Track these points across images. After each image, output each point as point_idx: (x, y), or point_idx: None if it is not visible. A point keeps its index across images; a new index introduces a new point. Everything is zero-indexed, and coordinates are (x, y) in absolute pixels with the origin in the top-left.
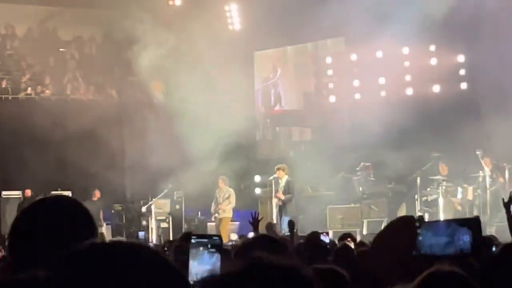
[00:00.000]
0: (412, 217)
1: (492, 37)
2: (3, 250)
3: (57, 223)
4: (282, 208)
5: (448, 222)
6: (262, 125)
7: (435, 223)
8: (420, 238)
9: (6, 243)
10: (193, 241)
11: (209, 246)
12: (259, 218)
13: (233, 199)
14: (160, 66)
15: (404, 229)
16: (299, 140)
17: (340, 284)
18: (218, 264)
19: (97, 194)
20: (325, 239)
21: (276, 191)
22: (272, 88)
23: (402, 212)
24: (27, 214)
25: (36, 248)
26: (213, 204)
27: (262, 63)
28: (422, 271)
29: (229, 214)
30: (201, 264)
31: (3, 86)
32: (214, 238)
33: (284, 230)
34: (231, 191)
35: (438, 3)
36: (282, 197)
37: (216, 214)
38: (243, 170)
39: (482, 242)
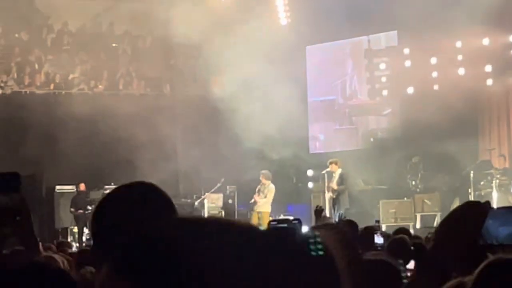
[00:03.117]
0: (478, 202)
1: None
2: (54, 247)
3: (140, 208)
4: (335, 202)
5: None
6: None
7: (502, 211)
8: (486, 226)
9: (60, 237)
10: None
11: None
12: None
13: (270, 195)
14: (212, 61)
15: (470, 215)
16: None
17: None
18: None
19: None
20: (379, 240)
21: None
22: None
23: (455, 206)
24: (110, 201)
25: (119, 234)
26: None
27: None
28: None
29: (266, 208)
30: None
31: (57, 81)
32: (294, 221)
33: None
34: (271, 186)
35: None
36: (335, 186)
37: (254, 207)
38: (295, 164)
39: None
